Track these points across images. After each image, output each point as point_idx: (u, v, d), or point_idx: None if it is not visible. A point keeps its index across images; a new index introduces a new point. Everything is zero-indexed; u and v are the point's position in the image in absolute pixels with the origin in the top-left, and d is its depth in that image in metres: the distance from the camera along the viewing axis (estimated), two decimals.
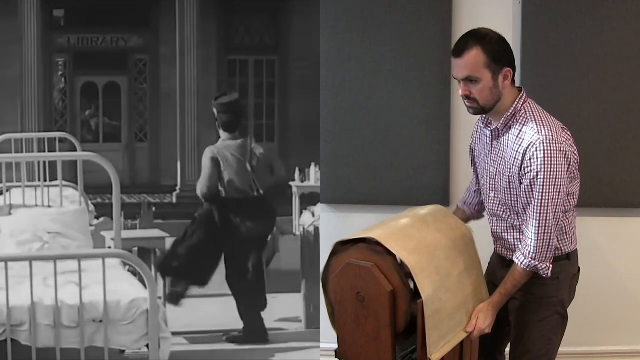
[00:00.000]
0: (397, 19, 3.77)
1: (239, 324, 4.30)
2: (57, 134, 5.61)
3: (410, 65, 3.76)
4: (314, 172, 6.54)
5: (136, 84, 9.60)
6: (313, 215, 5.23)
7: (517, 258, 2.64)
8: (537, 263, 2.60)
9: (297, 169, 6.88)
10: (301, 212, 6.09)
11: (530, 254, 2.60)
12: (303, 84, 8.68)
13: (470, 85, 2.58)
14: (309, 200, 6.33)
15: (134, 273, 3.68)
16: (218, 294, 5.19)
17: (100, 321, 3.09)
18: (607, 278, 3.94)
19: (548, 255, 2.61)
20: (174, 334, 3.31)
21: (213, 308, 4.82)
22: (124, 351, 3.29)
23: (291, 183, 6.84)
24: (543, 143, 2.53)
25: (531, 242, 2.59)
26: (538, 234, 2.58)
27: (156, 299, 3.11)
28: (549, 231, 2.58)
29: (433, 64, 3.78)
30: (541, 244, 2.58)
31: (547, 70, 3.73)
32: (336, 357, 2.68)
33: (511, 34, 3.79)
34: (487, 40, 2.57)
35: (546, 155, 2.52)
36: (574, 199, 2.73)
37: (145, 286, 3.16)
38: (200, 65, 9.14)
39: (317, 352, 3.95)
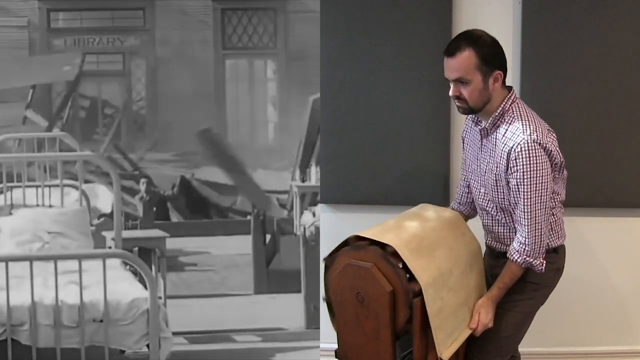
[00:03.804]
0: (397, 19, 3.77)
1: (239, 324, 4.34)
2: (57, 134, 5.60)
3: (410, 65, 3.76)
4: (314, 172, 6.53)
5: (134, 85, 9.61)
6: (314, 215, 5.23)
7: (512, 255, 2.70)
8: (531, 260, 2.67)
9: (297, 168, 6.87)
10: (301, 212, 6.09)
11: (524, 251, 2.66)
12: (301, 83, 8.69)
13: (460, 86, 2.63)
14: (309, 200, 6.33)
15: (135, 273, 3.68)
16: (218, 294, 5.20)
17: (101, 321, 3.09)
18: (607, 278, 3.94)
19: (540, 252, 2.67)
20: (174, 333, 3.31)
21: (213, 308, 4.82)
22: (124, 351, 3.28)
23: (291, 183, 6.85)
24: (527, 143, 2.57)
25: (524, 240, 2.66)
26: (529, 232, 2.64)
27: (156, 299, 3.11)
28: (540, 228, 2.64)
29: (433, 64, 3.75)
30: (533, 241, 2.64)
31: (547, 70, 3.73)
32: (336, 357, 2.68)
33: (511, 34, 3.79)
34: (480, 43, 2.60)
35: (531, 154, 2.56)
36: (559, 196, 2.80)
37: (145, 286, 3.16)
38: (197, 65, 9.17)
39: (317, 352, 3.95)
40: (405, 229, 2.67)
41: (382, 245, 2.50)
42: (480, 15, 3.78)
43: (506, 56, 3.74)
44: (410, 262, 2.45)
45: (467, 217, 3.05)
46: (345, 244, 2.61)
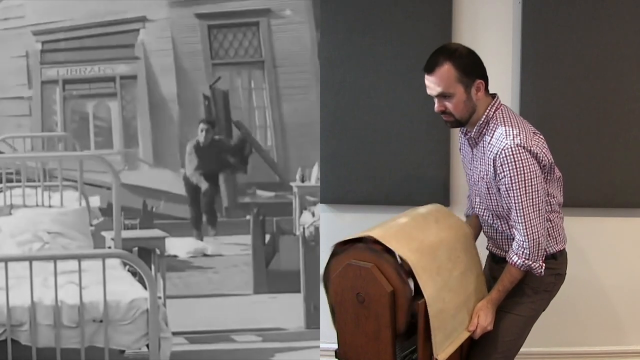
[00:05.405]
0: (397, 19, 3.77)
1: (239, 324, 4.36)
2: (57, 134, 5.60)
3: (410, 65, 3.75)
4: (314, 172, 6.54)
5: (126, 106, 9.70)
6: (313, 215, 5.23)
7: (511, 259, 2.70)
8: (530, 263, 2.66)
9: (299, 169, 6.89)
10: (301, 212, 6.09)
11: (523, 254, 2.66)
12: (294, 87, 8.75)
13: (444, 101, 2.66)
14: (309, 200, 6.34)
15: (134, 273, 3.68)
16: (217, 294, 5.20)
17: (101, 321, 3.09)
18: (607, 278, 3.95)
19: (539, 254, 2.67)
20: (174, 333, 3.31)
21: (213, 308, 4.82)
22: (124, 351, 3.28)
23: (291, 183, 6.85)
24: (511, 148, 2.57)
25: (522, 243, 2.66)
26: (527, 235, 2.63)
27: (156, 299, 3.11)
28: (536, 230, 2.63)
29: None
30: (530, 245, 2.64)
31: (547, 70, 3.73)
32: (336, 357, 2.68)
33: (511, 34, 3.79)
34: (456, 55, 2.63)
35: (516, 159, 2.57)
36: (554, 198, 2.78)
37: (145, 286, 3.16)
38: (191, 75, 9.26)
39: (317, 352, 3.95)
40: (395, 225, 2.67)
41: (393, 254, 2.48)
42: (480, 15, 3.78)
43: (506, 56, 3.80)
44: (421, 279, 2.45)
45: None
46: (359, 240, 2.58)
